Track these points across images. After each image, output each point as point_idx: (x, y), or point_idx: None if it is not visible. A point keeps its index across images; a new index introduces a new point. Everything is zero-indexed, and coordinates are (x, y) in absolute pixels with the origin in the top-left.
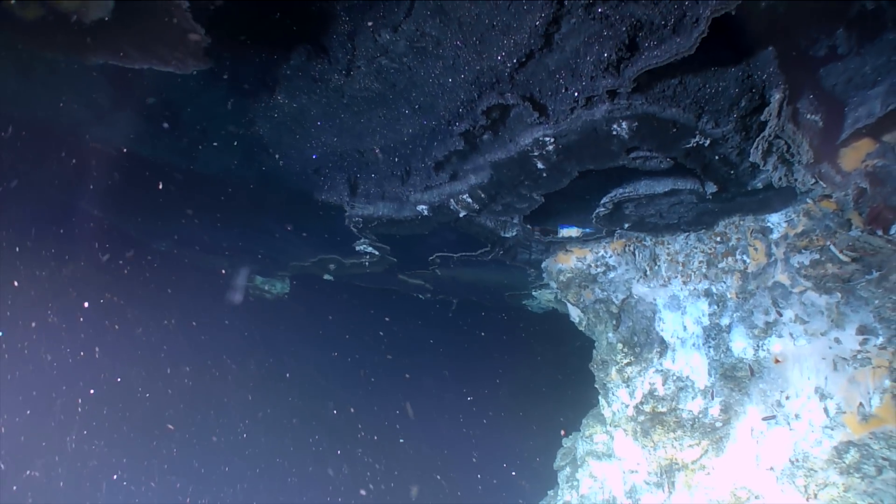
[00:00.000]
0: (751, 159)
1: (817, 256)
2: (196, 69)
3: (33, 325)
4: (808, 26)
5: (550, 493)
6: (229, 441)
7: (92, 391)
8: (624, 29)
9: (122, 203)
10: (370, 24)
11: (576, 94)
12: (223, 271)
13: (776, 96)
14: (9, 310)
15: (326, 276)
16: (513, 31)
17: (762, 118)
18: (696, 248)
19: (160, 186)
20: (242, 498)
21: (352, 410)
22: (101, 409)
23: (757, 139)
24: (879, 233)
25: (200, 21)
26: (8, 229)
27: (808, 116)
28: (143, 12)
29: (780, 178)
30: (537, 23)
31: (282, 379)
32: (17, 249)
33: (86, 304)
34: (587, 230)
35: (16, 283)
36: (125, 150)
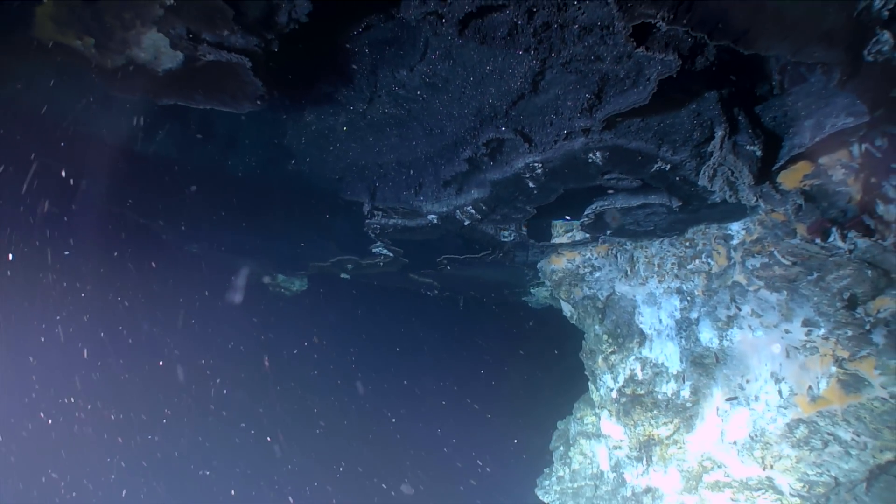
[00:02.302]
0: (699, 183)
1: (766, 260)
2: (249, 110)
3: (85, 319)
4: (745, 74)
5: (546, 470)
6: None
7: (128, 378)
8: (595, 80)
9: (163, 211)
10: (391, 64)
11: (558, 129)
12: (247, 271)
13: (719, 133)
14: (61, 312)
15: (343, 275)
16: (507, 77)
17: (710, 149)
18: (669, 251)
19: (195, 190)
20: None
21: (363, 391)
22: (139, 401)
23: (704, 166)
24: (818, 241)
25: (258, 75)
26: (62, 237)
27: (748, 147)
28: (210, 66)
29: (728, 197)
30: (525, 72)
31: (303, 368)
32: (67, 253)
33: (126, 303)
34: (575, 221)
35: (65, 284)
36: (166, 160)
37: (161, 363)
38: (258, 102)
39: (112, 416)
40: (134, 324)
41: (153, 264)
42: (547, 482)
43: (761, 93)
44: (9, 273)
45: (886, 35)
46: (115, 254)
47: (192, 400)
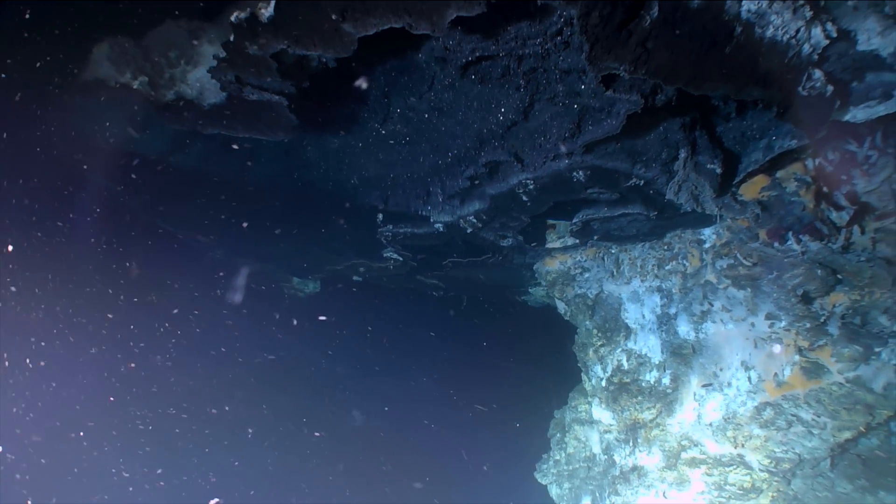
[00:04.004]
0: (667, 197)
1: (731, 261)
2: (283, 138)
3: (110, 315)
4: (703, 105)
5: (544, 455)
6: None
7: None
8: (575, 112)
9: (188, 219)
10: (403, 92)
11: (546, 152)
12: (264, 274)
13: (682, 154)
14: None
15: (356, 277)
16: (502, 107)
17: (675, 167)
18: (650, 254)
19: (219, 200)
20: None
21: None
22: (162, 398)
23: (671, 182)
24: (776, 245)
25: (293, 111)
26: (95, 244)
27: (708, 166)
28: (250, 103)
29: (694, 208)
30: (517, 104)
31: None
32: (99, 257)
33: (154, 299)
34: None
35: (89, 290)
36: (194, 171)
37: (187, 361)
38: (292, 133)
39: (139, 417)
40: (157, 324)
41: (178, 269)
42: (545, 466)
43: (719, 118)
44: (50, 277)
45: (818, 73)
46: (146, 260)
47: (208, 397)
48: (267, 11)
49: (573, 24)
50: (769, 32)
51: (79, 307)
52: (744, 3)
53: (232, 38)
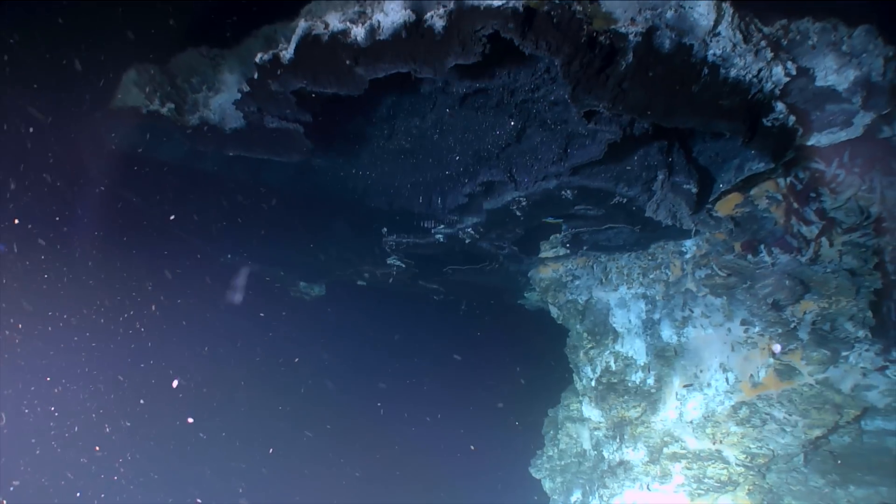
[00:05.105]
0: (646, 214)
1: (709, 272)
2: (298, 160)
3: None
4: (679, 132)
5: (539, 451)
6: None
7: (175, 383)
8: (563, 136)
9: (202, 226)
10: (407, 112)
11: (537, 172)
12: (274, 279)
13: (660, 176)
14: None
15: (360, 282)
16: (497, 129)
17: (654, 187)
18: (636, 263)
19: (231, 207)
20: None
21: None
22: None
23: (650, 201)
24: (749, 257)
25: (308, 137)
26: (115, 248)
27: (685, 186)
28: (269, 130)
29: (673, 224)
30: (511, 129)
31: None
32: (118, 264)
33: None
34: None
35: (105, 302)
36: (207, 177)
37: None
38: (305, 154)
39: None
40: (173, 326)
41: (191, 273)
42: (539, 461)
43: (694, 143)
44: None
45: (781, 105)
46: (161, 267)
47: (219, 398)
48: (287, 53)
49: (558, 67)
50: (733, 73)
51: (91, 309)
52: (710, 48)
53: (256, 76)
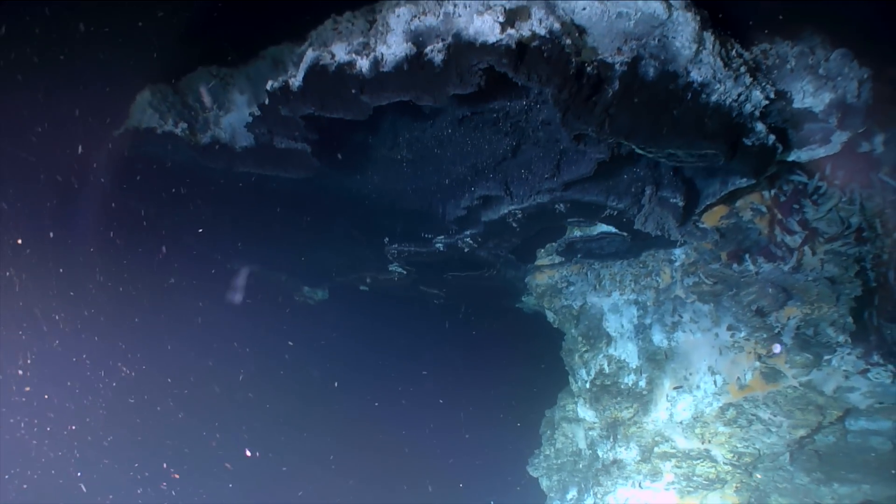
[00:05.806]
0: (635, 227)
1: (696, 279)
2: (304, 176)
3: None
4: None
5: (536, 451)
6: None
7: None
8: (556, 153)
9: (210, 231)
10: (409, 125)
11: (531, 187)
12: (278, 282)
13: (647, 191)
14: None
15: (362, 287)
16: (494, 145)
17: (642, 201)
18: (628, 270)
19: (239, 212)
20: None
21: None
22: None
23: (639, 214)
24: (735, 266)
25: (315, 156)
26: (128, 253)
27: (671, 200)
28: (278, 149)
29: (661, 234)
30: (506, 145)
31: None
32: (125, 264)
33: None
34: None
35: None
36: (219, 190)
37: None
38: (313, 171)
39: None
40: (179, 329)
41: (197, 278)
42: (536, 460)
43: (679, 159)
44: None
45: (760, 125)
46: (168, 274)
47: (216, 397)
48: (296, 81)
49: (549, 95)
50: (714, 98)
51: (97, 310)
52: (692, 74)
53: (267, 102)
